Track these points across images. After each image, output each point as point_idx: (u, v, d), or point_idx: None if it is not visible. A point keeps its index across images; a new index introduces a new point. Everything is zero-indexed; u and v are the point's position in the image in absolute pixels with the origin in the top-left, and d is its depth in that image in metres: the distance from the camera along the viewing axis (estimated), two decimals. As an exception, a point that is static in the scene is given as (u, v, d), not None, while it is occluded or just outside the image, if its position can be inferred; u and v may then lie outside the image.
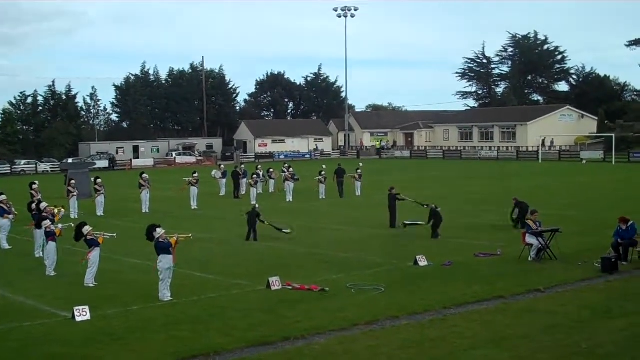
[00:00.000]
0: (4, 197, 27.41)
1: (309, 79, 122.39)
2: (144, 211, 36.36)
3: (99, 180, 36.08)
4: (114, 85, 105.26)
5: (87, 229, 19.54)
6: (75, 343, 14.16)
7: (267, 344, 13.94)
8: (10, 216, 26.62)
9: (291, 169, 43.47)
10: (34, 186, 32.92)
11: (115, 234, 20.99)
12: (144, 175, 37.62)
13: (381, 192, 37.68)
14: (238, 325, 15.20)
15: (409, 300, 17.09)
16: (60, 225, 22.04)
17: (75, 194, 35.30)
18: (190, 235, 20.03)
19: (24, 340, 14.47)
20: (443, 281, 19.18)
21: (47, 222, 21.60)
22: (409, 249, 23.96)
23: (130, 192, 43.46)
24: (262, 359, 13.18)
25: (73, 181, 36.50)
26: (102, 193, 35.84)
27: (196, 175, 39.38)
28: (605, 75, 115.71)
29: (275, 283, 18.66)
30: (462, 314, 16.00)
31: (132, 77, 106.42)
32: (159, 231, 17.83)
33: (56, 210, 24.50)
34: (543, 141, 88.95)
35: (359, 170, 43.63)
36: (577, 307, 16.32)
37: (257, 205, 28.52)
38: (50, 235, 20.99)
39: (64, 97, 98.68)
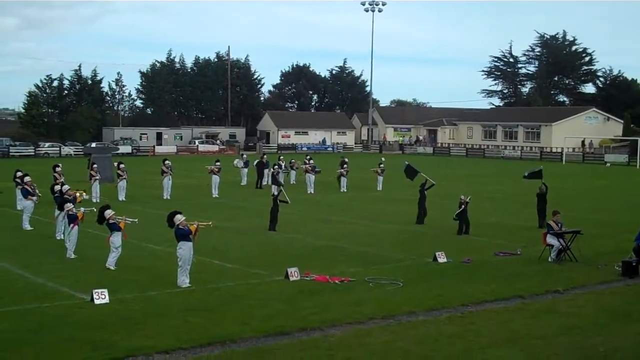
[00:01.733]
0: (28, 178, 27.72)
1: (334, 72, 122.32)
2: (165, 197, 36.55)
3: (121, 165, 36.28)
4: (140, 72, 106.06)
5: (108, 213, 19.59)
6: (92, 326, 14.24)
7: (283, 333, 13.96)
8: (34, 198, 26.87)
9: (312, 161, 43.47)
10: (58, 169, 33.13)
11: (136, 219, 21.00)
12: (167, 162, 37.75)
13: (402, 188, 37.65)
14: (255, 314, 15.22)
15: (426, 296, 17.04)
16: (82, 209, 22.17)
17: (97, 178, 35.51)
18: (210, 222, 20.09)
19: (41, 321, 14.58)
20: (462, 278, 19.10)
21: (69, 205, 21.74)
22: (429, 245, 23.87)
23: (152, 178, 43.68)
24: (278, 348, 13.19)
25: (95, 165, 36.73)
26: (125, 178, 36.05)
27: (218, 163, 39.51)
28: (633, 79, 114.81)
29: (294, 274, 18.67)
30: (479, 312, 15.93)
31: (158, 64, 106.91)
32: (179, 218, 17.89)
33: (78, 194, 24.65)
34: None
35: (382, 165, 43.55)
36: (596, 310, 16.23)
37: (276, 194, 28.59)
38: (73, 219, 21.10)
39: (89, 81, 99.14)
